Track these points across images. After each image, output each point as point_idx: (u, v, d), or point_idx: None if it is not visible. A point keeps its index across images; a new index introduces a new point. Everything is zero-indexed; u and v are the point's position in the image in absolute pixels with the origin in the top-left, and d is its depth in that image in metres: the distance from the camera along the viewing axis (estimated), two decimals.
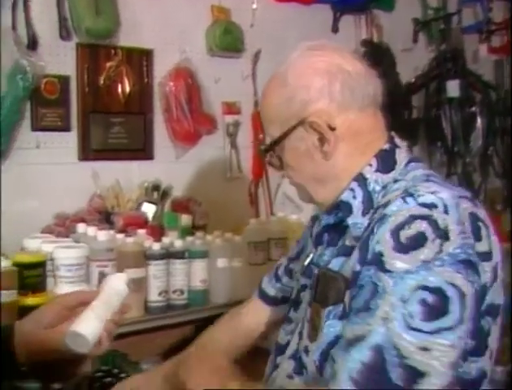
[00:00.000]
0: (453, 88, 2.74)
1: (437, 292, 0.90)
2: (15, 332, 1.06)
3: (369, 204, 1.03)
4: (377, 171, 1.05)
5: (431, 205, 0.94)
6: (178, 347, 2.05)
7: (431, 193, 0.96)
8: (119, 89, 2.16)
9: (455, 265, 0.91)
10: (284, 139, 1.08)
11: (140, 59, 2.20)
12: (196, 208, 2.19)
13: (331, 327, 1.01)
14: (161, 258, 1.87)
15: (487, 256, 0.96)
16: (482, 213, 1.00)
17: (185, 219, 2.13)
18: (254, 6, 2.44)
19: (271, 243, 2.08)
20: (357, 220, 1.04)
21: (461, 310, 0.90)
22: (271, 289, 1.34)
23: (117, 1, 2.09)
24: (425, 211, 0.93)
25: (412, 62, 2.87)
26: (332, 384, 0.94)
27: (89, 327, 1.03)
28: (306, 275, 1.15)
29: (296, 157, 1.09)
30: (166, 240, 1.93)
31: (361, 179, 1.05)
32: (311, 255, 1.15)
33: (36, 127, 2.01)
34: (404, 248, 0.92)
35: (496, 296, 0.98)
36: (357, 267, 0.99)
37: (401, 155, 1.07)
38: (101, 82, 2.12)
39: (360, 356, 0.91)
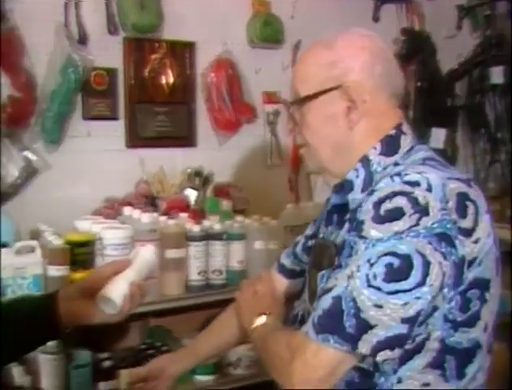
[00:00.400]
0: (497, 74, 2.72)
1: (405, 258, 0.97)
2: (59, 299, 1.18)
3: (369, 183, 1.10)
4: (381, 154, 1.11)
5: (415, 184, 1.00)
6: None
7: (418, 173, 1.02)
8: (164, 80, 2.27)
9: (429, 237, 0.98)
10: (315, 98, 1.13)
11: (183, 52, 2.30)
12: (236, 193, 2.29)
13: None
14: (200, 240, 1.97)
15: (468, 232, 1.00)
16: (474, 193, 1.04)
17: (226, 204, 2.23)
18: None
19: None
20: (356, 196, 1.11)
21: (423, 276, 0.97)
22: (289, 263, 1.41)
23: None
24: (407, 188, 1.00)
25: (455, 48, 2.85)
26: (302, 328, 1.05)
27: (117, 292, 1.14)
28: None
29: (320, 118, 1.13)
30: (206, 222, 2.03)
31: (365, 161, 1.12)
32: (321, 234, 1.22)
33: (87, 116, 2.15)
34: (381, 219, 1.00)
35: (484, 271, 1.03)
36: (346, 236, 1.07)
37: (406, 141, 1.13)
38: (147, 74, 2.24)
39: (323, 304, 1.01)
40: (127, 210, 2.01)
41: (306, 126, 1.15)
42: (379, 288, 0.98)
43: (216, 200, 2.25)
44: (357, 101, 1.10)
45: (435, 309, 1.01)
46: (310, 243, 1.34)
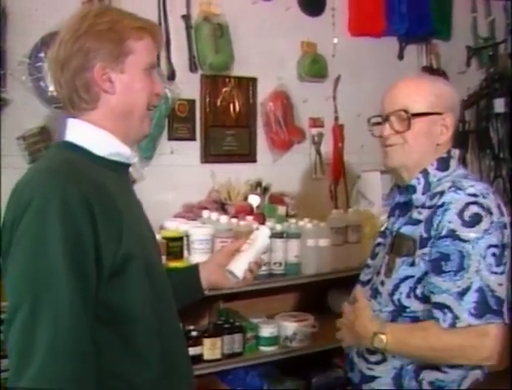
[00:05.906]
0: (499, 104, 3.17)
1: (498, 246, 1.42)
2: (200, 269, 1.60)
3: (427, 188, 1.55)
4: (436, 169, 1.57)
5: (475, 195, 1.45)
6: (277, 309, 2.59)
7: (471, 186, 1.47)
8: (231, 109, 2.70)
9: (500, 228, 1.44)
10: (426, 115, 1.53)
11: (247, 85, 2.73)
12: (289, 201, 2.72)
13: (403, 270, 1.52)
14: None
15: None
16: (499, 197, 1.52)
17: (281, 210, 2.66)
18: (335, 40, 2.96)
19: (349, 229, 2.58)
20: (418, 197, 1.56)
21: (508, 256, 1.43)
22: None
23: (232, 41, 2.62)
24: (473, 199, 1.44)
25: (465, 82, 3.30)
26: (457, 322, 1.40)
27: (239, 266, 1.51)
28: (382, 236, 1.68)
29: (424, 130, 1.54)
30: (268, 223, 2.44)
31: (424, 172, 1.57)
32: (386, 224, 1.67)
33: (171, 137, 2.58)
34: (470, 223, 1.43)
35: None
36: (424, 235, 1.48)
37: (453, 162, 1.59)
38: (219, 103, 2.67)
39: (471, 299, 1.40)
40: (205, 213, 2.43)
41: (410, 132, 1.53)
42: (495, 272, 1.41)
43: (273, 206, 2.68)
44: (448, 128, 1.56)
45: None
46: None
